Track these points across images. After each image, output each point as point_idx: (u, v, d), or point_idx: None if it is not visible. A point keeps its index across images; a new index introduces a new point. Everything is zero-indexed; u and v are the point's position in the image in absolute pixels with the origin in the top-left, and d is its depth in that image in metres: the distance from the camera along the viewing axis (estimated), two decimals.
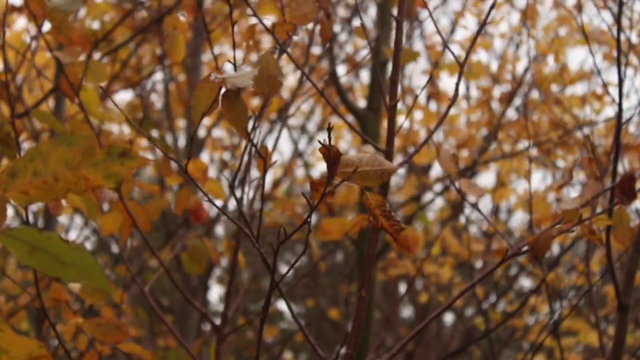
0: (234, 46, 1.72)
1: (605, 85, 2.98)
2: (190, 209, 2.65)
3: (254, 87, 1.66)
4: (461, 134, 5.64)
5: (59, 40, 2.12)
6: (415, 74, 14.57)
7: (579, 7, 3.73)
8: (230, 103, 1.50)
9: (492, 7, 1.73)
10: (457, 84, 1.74)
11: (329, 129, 1.43)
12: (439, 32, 1.79)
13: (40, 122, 2.44)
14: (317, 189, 1.50)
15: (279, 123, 5.79)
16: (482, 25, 1.76)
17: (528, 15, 5.09)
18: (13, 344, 1.33)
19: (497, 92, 5.55)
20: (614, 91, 5.65)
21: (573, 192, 6.39)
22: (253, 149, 1.79)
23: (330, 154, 1.45)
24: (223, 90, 1.50)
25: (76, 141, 1.00)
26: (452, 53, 1.74)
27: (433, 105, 6.10)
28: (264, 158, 1.81)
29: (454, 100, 1.76)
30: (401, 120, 5.72)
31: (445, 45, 1.73)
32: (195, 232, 3.62)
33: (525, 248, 1.84)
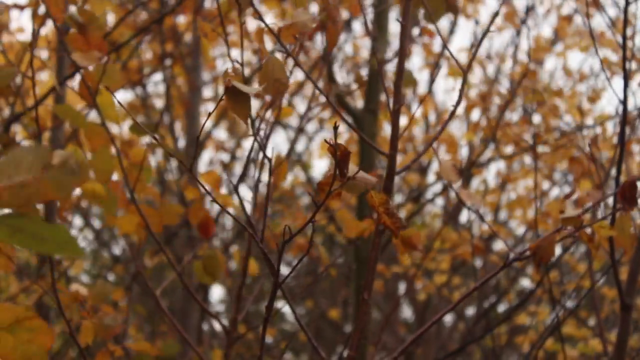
0: (227, 47, 1.74)
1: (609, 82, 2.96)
2: (200, 223, 2.65)
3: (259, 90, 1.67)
4: (453, 139, 5.63)
5: (74, 45, 2.10)
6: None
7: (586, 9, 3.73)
8: (233, 95, 1.54)
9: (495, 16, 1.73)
10: (461, 92, 1.73)
11: (335, 128, 1.43)
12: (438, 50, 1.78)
13: (62, 117, 2.44)
14: (323, 188, 1.50)
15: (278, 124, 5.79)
16: (484, 35, 1.76)
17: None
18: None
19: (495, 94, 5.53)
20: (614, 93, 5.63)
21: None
22: (257, 151, 1.80)
23: (337, 153, 1.45)
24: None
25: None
26: (459, 63, 1.74)
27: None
28: (268, 158, 1.82)
29: (456, 107, 1.75)
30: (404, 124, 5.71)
31: (451, 55, 1.73)
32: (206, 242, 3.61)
33: (527, 253, 1.83)
